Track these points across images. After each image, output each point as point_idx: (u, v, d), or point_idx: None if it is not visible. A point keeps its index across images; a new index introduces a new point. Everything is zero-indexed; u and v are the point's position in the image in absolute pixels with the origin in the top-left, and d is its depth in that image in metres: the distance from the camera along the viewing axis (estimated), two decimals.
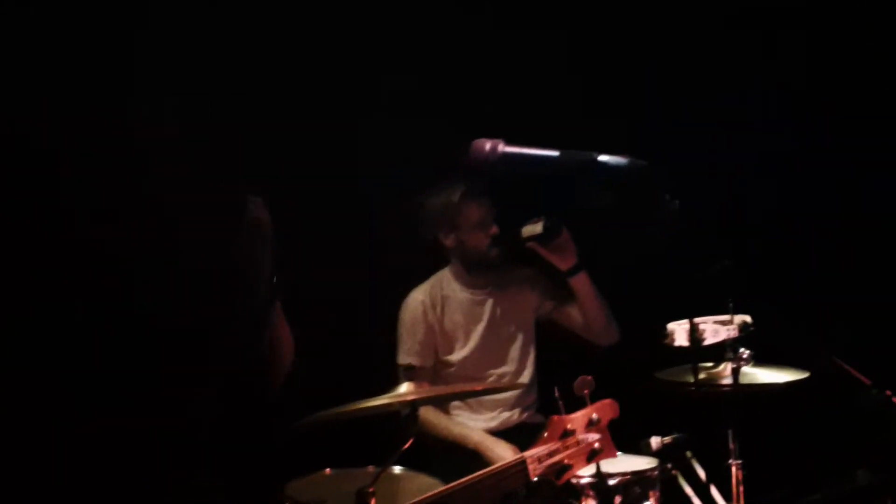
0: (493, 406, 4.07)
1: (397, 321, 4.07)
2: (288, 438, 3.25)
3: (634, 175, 2.39)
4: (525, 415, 4.10)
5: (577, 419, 2.51)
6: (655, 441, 3.23)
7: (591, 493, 3.21)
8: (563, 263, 3.94)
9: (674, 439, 3.23)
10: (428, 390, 3.34)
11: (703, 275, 2.57)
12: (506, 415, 4.07)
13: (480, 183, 4.02)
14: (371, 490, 3.11)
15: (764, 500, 3.19)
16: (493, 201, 4.04)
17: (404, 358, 3.97)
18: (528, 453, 2.46)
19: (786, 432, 3.94)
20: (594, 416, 2.52)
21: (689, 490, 3.22)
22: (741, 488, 3.09)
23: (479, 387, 3.85)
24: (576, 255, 3.94)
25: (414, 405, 3.17)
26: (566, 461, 2.47)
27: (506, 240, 3.98)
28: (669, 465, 3.28)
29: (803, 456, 3.97)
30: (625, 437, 3.37)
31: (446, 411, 4.06)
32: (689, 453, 3.23)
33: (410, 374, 3.36)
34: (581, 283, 3.96)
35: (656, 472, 3.26)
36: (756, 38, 4.35)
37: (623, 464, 3.36)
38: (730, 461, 3.11)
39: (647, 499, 3.23)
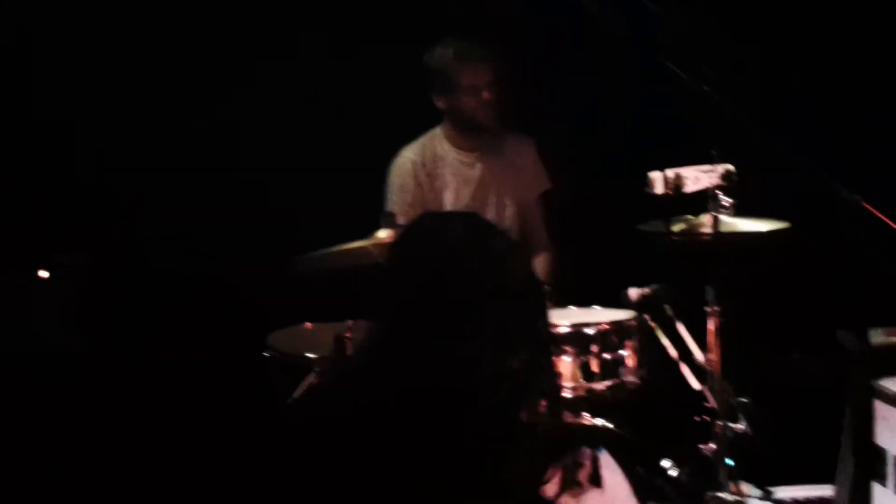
0: None
1: (386, 178, 4.01)
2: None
3: None
4: None
5: None
6: (634, 292, 3.19)
7: (568, 342, 3.18)
8: None
9: (653, 290, 3.19)
10: None
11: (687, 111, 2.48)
12: None
13: (476, 45, 3.92)
14: (348, 335, 3.11)
15: (742, 352, 3.14)
16: (493, 67, 3.92)
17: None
18: None
19: (772, 286, 3.86)
20: None
21: (665, 340, 3.18)
22: (717, 338, 3.05)
23: None
24: None
25: None
26: None
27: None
28: (647, 317, 3.23)
29: (788, 312, 3.91)
30: (605, 289, 3.36)
31: None
32: (667, 305, 3.18)
33: (390, 220, 3.31)
34: None
35: (633, 323, 3.23)
36: None
37: (601, 315, 3.34)
38: (706, 308, 3.07)
39: (623, 348, 3.20)
